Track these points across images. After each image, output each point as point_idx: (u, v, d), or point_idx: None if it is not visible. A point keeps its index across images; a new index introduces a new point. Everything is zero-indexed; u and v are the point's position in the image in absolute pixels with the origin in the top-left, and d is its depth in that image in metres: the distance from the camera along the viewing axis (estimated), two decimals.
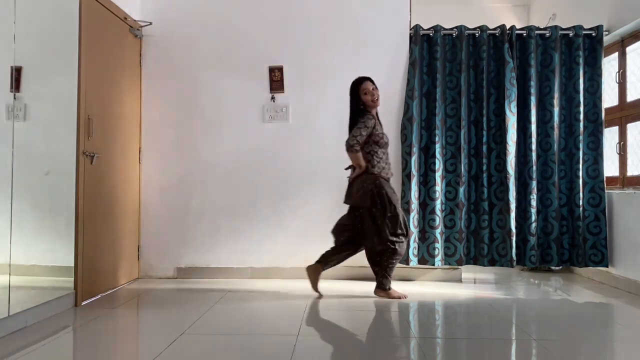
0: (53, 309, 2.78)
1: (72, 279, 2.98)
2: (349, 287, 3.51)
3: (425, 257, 3.76)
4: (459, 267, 3.86)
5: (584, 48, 3.85)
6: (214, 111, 3.94)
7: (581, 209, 3.77)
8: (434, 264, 3.75)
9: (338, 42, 3.91)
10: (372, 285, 3.68)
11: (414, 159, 3.74)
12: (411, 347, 2.30)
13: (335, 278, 3.73)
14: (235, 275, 3.87)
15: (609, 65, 4.03)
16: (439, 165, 3.77)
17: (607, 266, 3.71)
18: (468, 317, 2.89)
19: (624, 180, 3.79)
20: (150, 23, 3.90)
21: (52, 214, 2.93)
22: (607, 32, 3.81)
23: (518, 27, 3.91)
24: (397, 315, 2.88)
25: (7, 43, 2.50)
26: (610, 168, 3.93)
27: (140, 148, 3.91)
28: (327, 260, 3.31)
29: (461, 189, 3.78)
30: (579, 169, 3.78)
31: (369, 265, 3.33)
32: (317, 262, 3.32)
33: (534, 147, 3.79)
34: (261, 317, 2.84)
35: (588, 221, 3.78)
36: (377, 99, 3.23)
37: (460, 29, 3.83)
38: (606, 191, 3.77)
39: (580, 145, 3.79)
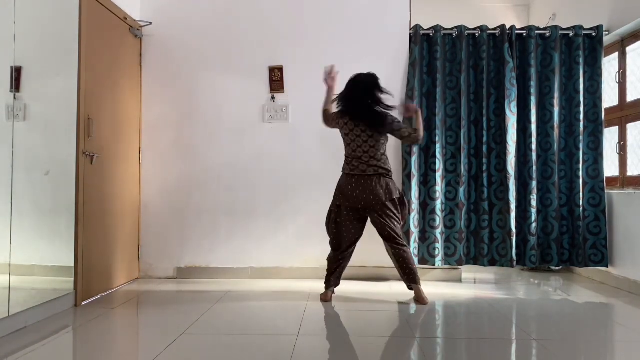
0: (53, 309, 2.79)
1: (72, 279, 2.98)
2: (349, 287, 3.51)
3: (426, 257, 3.76)
4: (459, 267, 3.86)
5: (584, 48, 3.85)
6: (214, 111, 3.94)
7: (581, 209, 3.77)
8: (434, 264, 3.75)
9: (338, 42, 3.91)
10: (372, 285, 3.69)
11: (414, 159, 3.74)
12: (411, 347, 2.30)
13: None
14: (235, 275, 3.87)
15: (609, 65, 4.03)
16: (439, 165, 3.77)
17: (607, 266, 3.71)
18: (468, 317, 2.89)
19: (624, 180, 3.79)
20: (150, 23, 3.90)
21: (52, 214, 2.93)
22: (607, 32, 3.81)
23: (518, 27, 3.91)
24: (397, 315, 2.88)
25: (7, 43, 2.50)
26: (610, 168, 3.93)
27: (140, 148, 3.91)
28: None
29: (461, 189, 3.78)
30: (579, 169, 3.78)
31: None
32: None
33: (534, 147, 3.79)
34: (261, 317, 2.84)
35: (588, 221, 3.78)
36: None
37: (460, 29, 3.83)
38: (606, 191, 3.77)
39: (580, 145, 3.79)
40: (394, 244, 3.12)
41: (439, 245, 3.75)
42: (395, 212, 3.13)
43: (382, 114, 3.09)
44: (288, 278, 3.83)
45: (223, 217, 3.91)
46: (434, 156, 3.77)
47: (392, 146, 3.87)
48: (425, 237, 3.77)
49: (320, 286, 3.48)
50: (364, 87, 3.09)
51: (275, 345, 2.29)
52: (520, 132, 3.85)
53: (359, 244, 3.25)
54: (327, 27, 3.93)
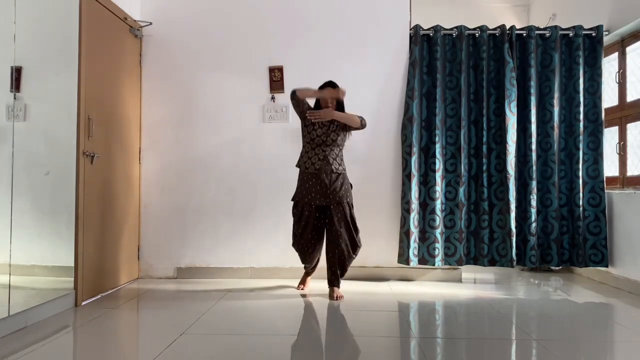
0: (53, 309, 2.79)
1: (72, 279, 2.98)
2: (349, 287, 3.51)
3: (426, 257, 3.76)
4: (459, 267, 3.86)
5: (584, 48, 3.85)
6: (214, 111, 3.94)
7: (581, 209, 3.77)
8: (434, 264, 3.75)
9: (338, 42, 3.91)
10: (372, 285, 3.69)
11: (414, 159, 3.74)
12: (411, 347, 2.30)
13: None
14: (235, 275, 3.87)
15: (609, 65, 4.03)
16: (439, 165, 3.77)
17: (607, 266, 3.71)
18: (468, 317, 2.89)
19: (624, 180, 3.79)
20: (150, 23, 3.91)
21: (52, 214, 2.93)
22: (607, 32, 3.81)
23: (518, 27, 3.91)
24: (397, 315, 2.88)
25: (7, 43, 2.50)
26: (610, 168, 3.93)
27: (140, 148, 3.91)
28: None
29: (461, 189, 3.78)
30: (579, 169, 3.78)
31: (335, 266, 3.28)
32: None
33: (534, 147, 3.79)
34: (261, 317, 2.84)
35: (588, 221, 3.78)
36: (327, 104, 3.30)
37: (460, 29, 3.83)
38: (606, 191, 3.77)
39: (580, 145, 3.79)
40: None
41: (439, 245, 3.75)
42: None
43: None
44: (288, 278, 3.83)
45: (223, 217, 3.91)
46: (434, 156, 3.77)
47: (392, 146, 3.89)
48: (425, 237, 3.77)
49: (319, 286, 3.48)
50: None
51: (275, 345, 2.29)
52: (520, 132, 3.85)
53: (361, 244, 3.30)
54: (327, 27, 3.93)
